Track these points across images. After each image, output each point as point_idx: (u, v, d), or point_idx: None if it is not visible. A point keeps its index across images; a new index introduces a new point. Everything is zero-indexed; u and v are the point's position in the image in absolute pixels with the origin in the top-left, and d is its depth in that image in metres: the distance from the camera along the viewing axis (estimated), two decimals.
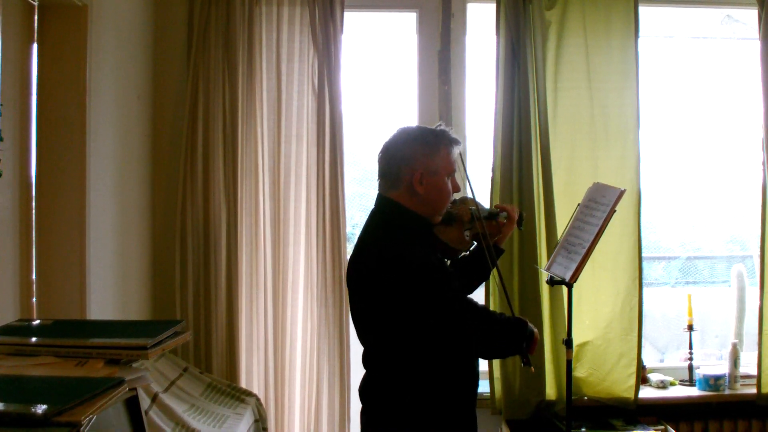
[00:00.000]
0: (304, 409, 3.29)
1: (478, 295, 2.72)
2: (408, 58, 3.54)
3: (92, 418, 1.34)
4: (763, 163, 3.42)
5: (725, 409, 3.46)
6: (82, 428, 1.29)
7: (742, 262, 3.87)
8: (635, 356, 3.33)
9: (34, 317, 2.37)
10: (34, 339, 1.74)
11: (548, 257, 3.15)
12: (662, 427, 3.29)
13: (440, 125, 2.06)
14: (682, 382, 3.54)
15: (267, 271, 3.27)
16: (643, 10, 3.44)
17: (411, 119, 3.45)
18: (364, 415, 2.07)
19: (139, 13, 3.20)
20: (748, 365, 3.49)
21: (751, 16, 3.56)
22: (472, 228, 2.14)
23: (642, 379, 3.42)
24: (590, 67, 3.38)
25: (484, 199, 3.28)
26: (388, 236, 1.97)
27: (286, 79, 3.30)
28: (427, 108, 3.45)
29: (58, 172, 2.47)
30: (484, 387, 3.20)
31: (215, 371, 3.17)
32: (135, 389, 1.65)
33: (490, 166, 3.33)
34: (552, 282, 2.81)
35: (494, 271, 2.14)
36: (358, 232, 2.08)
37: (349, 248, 3.24)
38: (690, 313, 3.53)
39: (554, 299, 3.28)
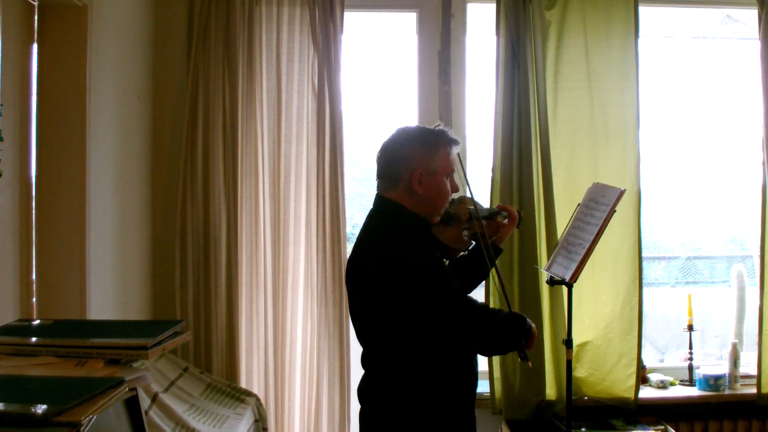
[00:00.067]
0: (304, 409, 3.29)
1: (479, 295, 2.72)
2: (408, 58, 3.54)
3: (92, 418, 1.34)
4: (763, 163, 3.42)
5: (725, 409, 3.46)
6: (82, 428, 1.29)
7: (742, 262, 3.86)
8: (635, 356, 3.33)
9: (34, 317, 2.37)
10: (34, 339, 1.74)
11: (548, 257, 3.15)
12: (662, 427, 3.29)
13: (439, 125, 2.06)
14: (682, 382, 3.54)
15: (267, 271, 3.27)
16: (643, 10, 3.44)
17: (411, 119, 3.45)
18: (363, 415, 2.07)
19: (139, 13, 3.20)
20: (748, 365, 3.49)
21: (751, 16, 3.56)
22: (471, 228, 2.14)
23: (642, 379, 3.42)
24: (590, 67, 3.38)
25: (484, 199, 3.29)
26: (387, 236, 1.97)
27: (286, 79, 3.30)
28: (427, 108, 3.45)
29: (58, 172, 2.47)
30: (483, 387, 3.21)
31: (215, 371, 3.17)
32: (135, 389, 1.65)
33: (490, 166, 3.33)
34: (552, 282, 2.82)
35: (493, 271, 2.14)
36: (357, 232, 2.08)
37: (349, 248, 3.24)
38: (690, 313, 3.53)
39: (554, 299, 3.28)
